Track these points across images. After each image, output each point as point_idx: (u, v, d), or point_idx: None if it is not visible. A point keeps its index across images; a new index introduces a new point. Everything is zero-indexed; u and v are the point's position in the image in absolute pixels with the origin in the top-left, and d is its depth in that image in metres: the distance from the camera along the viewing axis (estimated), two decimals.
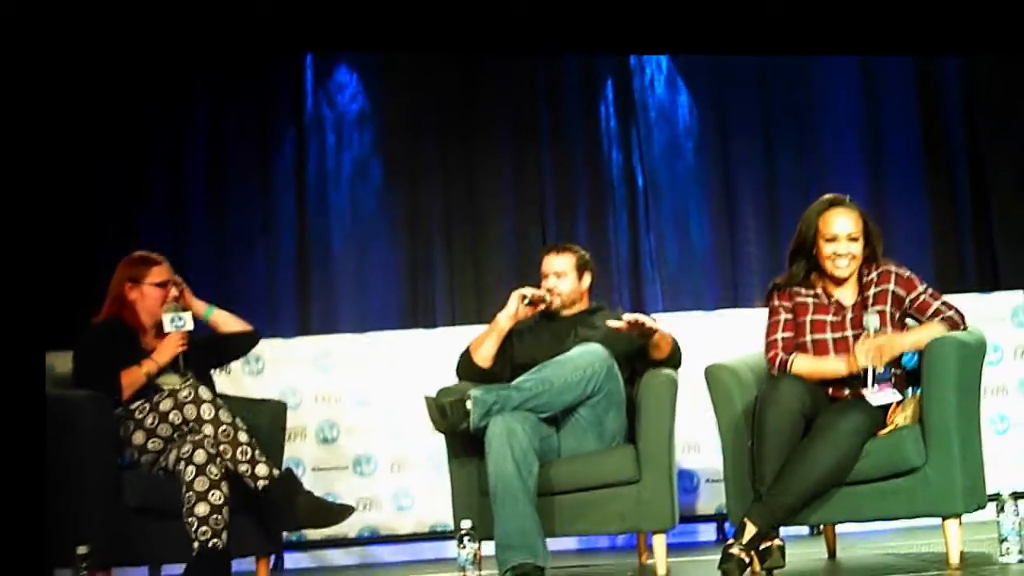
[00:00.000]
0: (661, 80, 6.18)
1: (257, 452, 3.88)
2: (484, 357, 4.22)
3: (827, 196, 3.90)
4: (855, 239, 3.82)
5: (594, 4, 5.32)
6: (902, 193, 6.04)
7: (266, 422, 4.17)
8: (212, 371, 4.31)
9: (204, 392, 3.92)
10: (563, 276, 4.27)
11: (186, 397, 3.89)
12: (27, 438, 3.13)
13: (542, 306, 4.24)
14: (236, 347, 4.42)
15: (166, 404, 3.90)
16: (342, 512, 3.97)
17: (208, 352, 4.29)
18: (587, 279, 4.31)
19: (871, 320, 3.76)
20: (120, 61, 5.84)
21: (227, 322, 4.36)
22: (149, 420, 3.91)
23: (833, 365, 3.77)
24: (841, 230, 3.81)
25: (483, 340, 4.23)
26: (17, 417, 3.09)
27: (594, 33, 5.52)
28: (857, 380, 3.73)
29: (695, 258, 6.07)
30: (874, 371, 3.69)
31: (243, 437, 3.88)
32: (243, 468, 3.85)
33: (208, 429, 3.85)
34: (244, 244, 6.02)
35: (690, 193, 6.12)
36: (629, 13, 5.33)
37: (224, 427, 3.86)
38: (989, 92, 6.07)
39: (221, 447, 3.84)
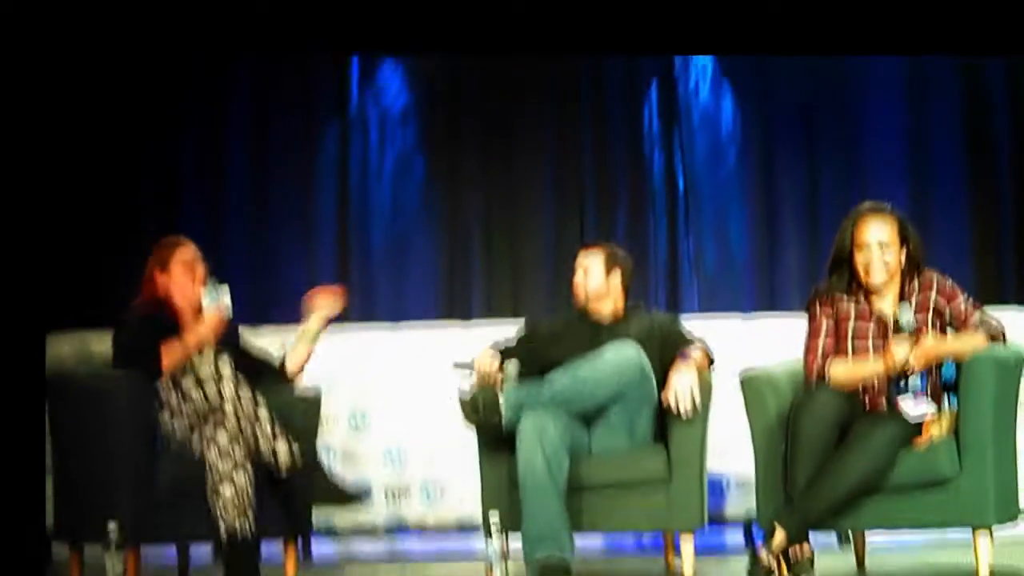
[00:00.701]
0: (706, 85, 6.16)
1: (278, 429, 3.86)
2: None
3: (865, 204, 3.86)
4: (888, 246, 3.78)
5: (638, 4, 5.30)
6: (945, 202, 5.99)
7: (299, 416, 4.09)
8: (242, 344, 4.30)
9: (224, 367, 3.86)
10: (589, 272, 4.24)
11: (207, 374, 3.85)
12: (27, 419, 3.14)
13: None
14: (268, 378, 4.21)
15: (188, 382, 3.86)
16: (355, 497, 3.98)
17: (246, 359, 4.21)
18: (616, 276, 4.23)
19: (904, 312, 3.72)
20: (161, 55, 5.89)
21: (297, 365, 4.31)
22: (173, 400, 3.90)
23: (871, 367, 3.74)
24: (873, 238, 3.76)
25: None
26: (17, 398, 3.09)
27: (637, 33, 5.50)
28: (894, 387, 3.70)
29: (733, 263, 6.06)
30: (908, 376, 3.66)
31: (263, 414, 3.85)
32: (264, 447, 3.85)
33: (229, 408, 3.82)
34: (285, 236, 6.07)
35: (731, 198, 6.10)
36: (673, 12, 5.31)
37: (244, 404, 3.84)
38: None
39: (243, 425, 3.84)
